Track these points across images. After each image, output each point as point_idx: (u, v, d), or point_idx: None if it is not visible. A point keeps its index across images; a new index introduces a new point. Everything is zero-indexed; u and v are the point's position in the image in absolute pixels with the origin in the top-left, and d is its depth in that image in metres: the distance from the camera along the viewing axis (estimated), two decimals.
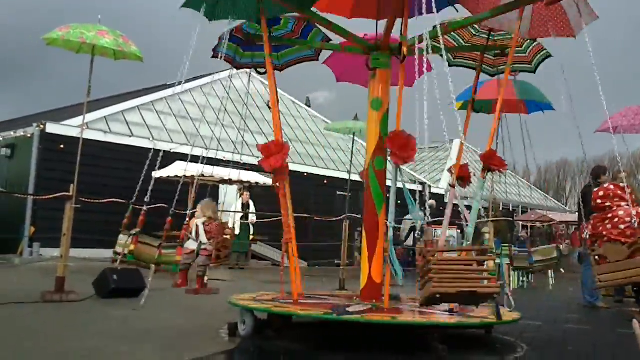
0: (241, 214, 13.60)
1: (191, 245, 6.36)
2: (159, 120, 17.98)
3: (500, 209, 15.67)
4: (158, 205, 7.22)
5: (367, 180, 4.89)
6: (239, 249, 13.51)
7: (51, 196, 6.80)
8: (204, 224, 6.70)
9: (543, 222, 18.68)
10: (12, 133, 16.28)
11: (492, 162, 4.70)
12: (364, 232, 4.89)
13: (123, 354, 3.65)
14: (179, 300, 6.86)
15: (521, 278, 11.66)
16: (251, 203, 14.21)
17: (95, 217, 13.65)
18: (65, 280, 6.51)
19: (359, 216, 10.01)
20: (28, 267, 12.43)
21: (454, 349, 3.86)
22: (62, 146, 15.36)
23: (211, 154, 17.56)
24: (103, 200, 7.05)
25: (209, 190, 12.80)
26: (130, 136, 16.27)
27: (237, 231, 13.61)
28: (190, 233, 6.47)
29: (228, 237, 6.82)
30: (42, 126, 14.85)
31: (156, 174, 15.05)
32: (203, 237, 6.27)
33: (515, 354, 4.20)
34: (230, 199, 15.19)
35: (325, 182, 19.04)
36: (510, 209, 25.28)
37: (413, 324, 4.03)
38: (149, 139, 16.77)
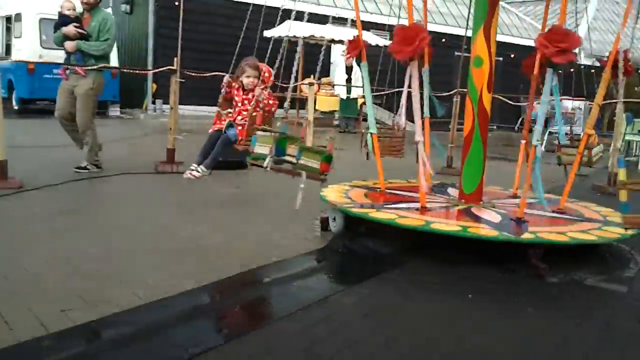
0: (345, 77, 13.22)
1: None
2: None
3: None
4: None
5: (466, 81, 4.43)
6: (347, 114, 13.36)
7: (156, 70, 6.92)
8: None
9: None
10: None
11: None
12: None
13: (220, 242, 3.77)
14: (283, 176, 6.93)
15: None
16: (355, 65, 13.72)
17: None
18: (175, 152, 6.79)
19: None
20: (151, 122, 13.20)
21: (553, 262, 3.59)
22: (176, 3, 15.43)
23: (321, 10, 17.02)
24: (206, 74, 7.01)
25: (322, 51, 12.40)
26: None
27: (342, 95, 13.38)
28: None
29: None
30: None
31: (267, 33, 14.91)
32: None
33: (626, 270, 3.85)
34: (336, 61, 14.76)
35: (444, 40, 17.90)
36: None
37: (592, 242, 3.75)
38: None
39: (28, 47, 13.03)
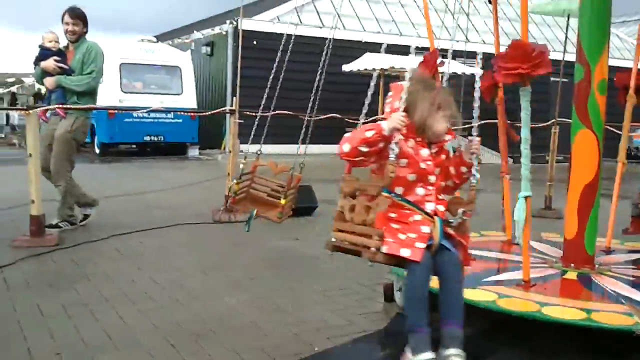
0: None
1: None
2: (351, 7, 16.97)
3: None
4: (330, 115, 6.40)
5: (584, 111, 3.41)
6: None
7: (214, 112, 6.42)
8: None
9: None
10: (210, 30, 16.62)
11: None
12: (571, 178, 3.50)
13: (251, 320, 3.02)
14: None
15: None
16: None
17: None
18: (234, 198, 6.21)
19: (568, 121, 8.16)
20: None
21: None
22: (254, 42, 15.29)
23: (403, 41, 16.29)
24: (267, 114, 6.41)
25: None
26: (320, 27, 15.56)
27: None
28: None
29: None
30: (234, 23, 14.80)
31: (346, 67, 14.32)
32: None
33: None
34: None
35: None
36: None
37: None
38: (339, 28, 15.93)
39: (109, 92, 13.20)
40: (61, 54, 5.36)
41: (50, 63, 5.26)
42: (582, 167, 3.40)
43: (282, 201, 3.45)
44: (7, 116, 21.85)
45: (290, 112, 6.96)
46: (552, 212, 6.86)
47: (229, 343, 2.82)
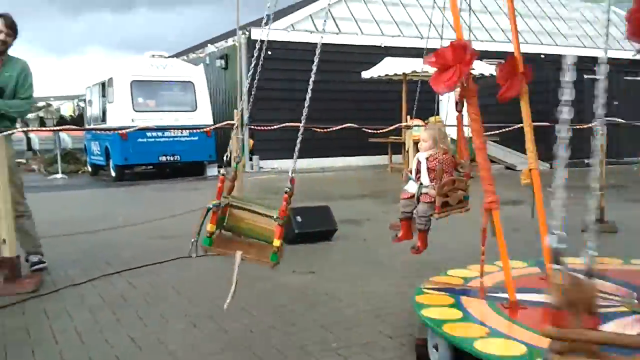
0: (456, 115, 11.45)
1: (411, 187, 3.65)
2: (368, 11, 16.29)
3: None
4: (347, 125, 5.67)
5: None
6: (455, 153, 11.54)
7: (217, 125, 5.75)
8: (427, 158, 3.65)
9: None
10: (224, 43, 16.08)
11: None
12: None
13: None
14: (369, 256, 5.38)
15: None
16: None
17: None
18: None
19: (619, 120, 7.34)
20: (247, 182, 12.20)
21: None
22: (269, 52, 14.66)
23: (424, 44, 15.57)
24: (275, 127, 5.74)
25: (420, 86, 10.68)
26: (337, 33, 14.85)
27: (453, 136, 11.66)
28: (410, 171, 3.52)
29: (460, 176, 3.55)
30: (246, 33, 14.21)
31: (365, 74, 13.57)
32: (425, 178, 3.60)
33: None
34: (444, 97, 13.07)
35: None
36: None
37: None
38: (357, 34, 15.22)
39: (121, 112, 12.70)
40: None
41: None
42: None
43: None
44: (29, 140, 21.55)
45: (300, 124, 6.23)
46: (606, 225, 6.00)
47: None
